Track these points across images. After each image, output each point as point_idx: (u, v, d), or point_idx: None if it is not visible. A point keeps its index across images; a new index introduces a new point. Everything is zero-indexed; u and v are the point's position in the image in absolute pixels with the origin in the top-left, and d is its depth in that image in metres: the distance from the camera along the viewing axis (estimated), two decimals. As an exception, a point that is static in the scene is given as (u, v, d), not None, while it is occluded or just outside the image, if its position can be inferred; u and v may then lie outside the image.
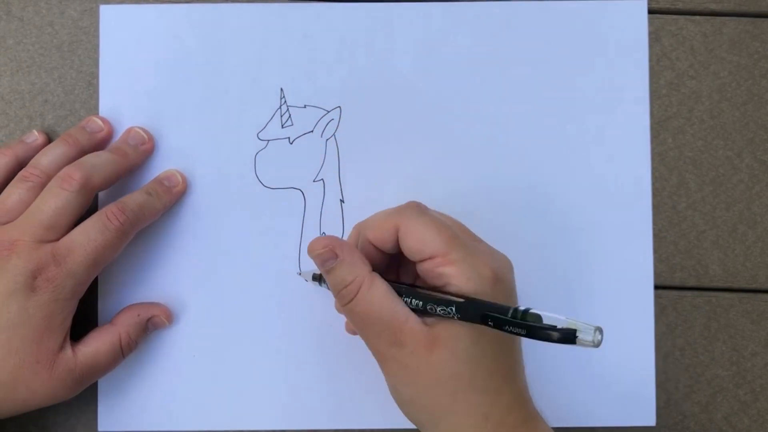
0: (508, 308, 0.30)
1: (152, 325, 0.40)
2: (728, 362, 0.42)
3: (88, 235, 0.36)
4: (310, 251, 0.35)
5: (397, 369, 0.33)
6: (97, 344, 0.37)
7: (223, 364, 0.41)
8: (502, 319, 0.30)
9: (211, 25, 0.41)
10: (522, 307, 0.30)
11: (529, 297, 0.41)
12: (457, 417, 0.32)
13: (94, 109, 0.41)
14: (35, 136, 0.40)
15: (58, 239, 0.36)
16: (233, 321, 0.41)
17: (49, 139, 0.41)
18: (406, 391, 0.33)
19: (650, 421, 0.41)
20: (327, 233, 0.41)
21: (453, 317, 0.32)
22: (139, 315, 0.39)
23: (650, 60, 0.42)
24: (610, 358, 0.41)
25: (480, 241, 0.36)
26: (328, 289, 0.36)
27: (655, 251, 0.42)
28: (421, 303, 0.33)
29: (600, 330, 0.28)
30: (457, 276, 0.32)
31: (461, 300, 0.32)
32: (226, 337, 0.41)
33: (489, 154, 0.42)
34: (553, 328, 0.28)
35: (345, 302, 0.34)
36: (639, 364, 0.41)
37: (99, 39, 0.41)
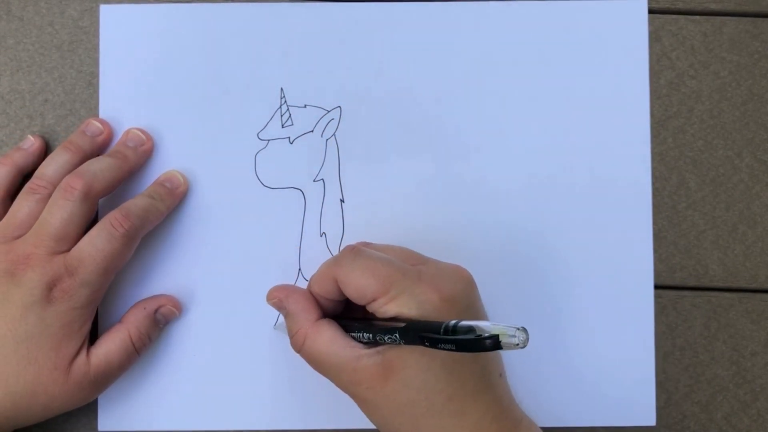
0: (440, 325, 0.30)
1: (162, 316, 0.40)
2: (728, 362, 0.42)
3: (96, 245, 0.36)
4: (267, 300, 0.38)
5: (360, 403, 0.34)
6: (107, 344, 0.38)
7: (224, 363, 0.41)
8: (435, 338, 0.30)
9: (211, 25, 0.41)
10: (453, 322, 0.29)
11: (529, 297, 0.41)
12: None
13: (94, 109, 0.41)
14: (31, 141, 0.40)
15: (69, 249, 0.36)
16: (233, 321, 0.41)
17: (46, 142, 0.41)
18: (375, 420, 0.35)
19: (650, 421, 0.41)
20: (326, 233, 0.41)
21: (399, 343, 0.32)
22: (144, 308, 0.39)
23: (650, 60, 0.42)
24: (610, 358, 0.41)
25: (427, 262, 0.36)
26: None
27: (655, 251, 0.42)
28: (371, 336, 0.33)
29: (523, 329, 0.28)
30: (402, 310, 0.33)
31: (402, 325, 0.32)
32: (227, 336, 0.41)
33: (489, 154, 0.42)
34: (479, 338, 0.28)
35: (296, 350, 0.36)
36: (639, 363, 0.41)
37: (99, 39, 0.41)
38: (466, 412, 0.33)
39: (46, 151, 0.41)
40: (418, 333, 0.31)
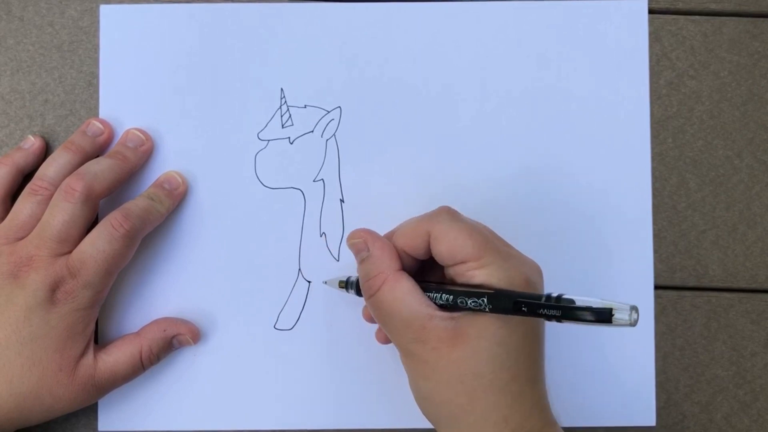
0: (541, 295, 0.30)
1: (178, 342, 0.40)
2: (728, 362, 0.42)
3: (97, 246, 0.36)
4: (348, 240, 0.37)
5: (417, 363, 0.33)
6: (117, 354, 0.38)
7: (224, 364, 0.41)
8: (536, 303, 0.30)
9: (211, 25, 0.41)
10: (555, 293, 0.30)
11: (529, 297, 0.41)
12: (475, 417, 0.32)
13: (95, 109, 0.41)
14: (32, 141, 0.41)
15: (71, 250, 0.36)
16: (233, 321, 0.41)
17: (46, 142, 0.41)
18: (425, 386, 0.33)
19: (650, 421, 0.41)
20: (327, 233, 0.41)
21: (484, 309, 0.32)
22: (165, 330, 0.39)
23: (650, 60, 0.42)
24: (610, 358, 0.41)
25: (511, 247, 0.36)
26: (355, 294, 0.37)
27: (655, 251, 0.42)
28: (451, 297, 0.33)
29: (635, 309, 0.28)
30: (489, 279, 0.32)
31: (492, 291, 0.32)
32: (227, 336, 0.41)
33: (488, 154, 0.42)
34: (589, 308, 0.29)
35: (368, 295, 0.35)
36: (639, 364, 0.41)
37: (99, 39, 0.41)
38: (524, 395, 0.33)
39: (46, 151, 0.41)
40: (513, 298, 0.31)
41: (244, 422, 0.41)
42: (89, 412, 0.41)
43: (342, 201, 0.41)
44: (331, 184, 0.41)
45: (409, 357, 0.34)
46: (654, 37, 0.42)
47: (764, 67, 0.42)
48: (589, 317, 0.28)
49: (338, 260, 0.41)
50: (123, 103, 0.41)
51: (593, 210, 0.41)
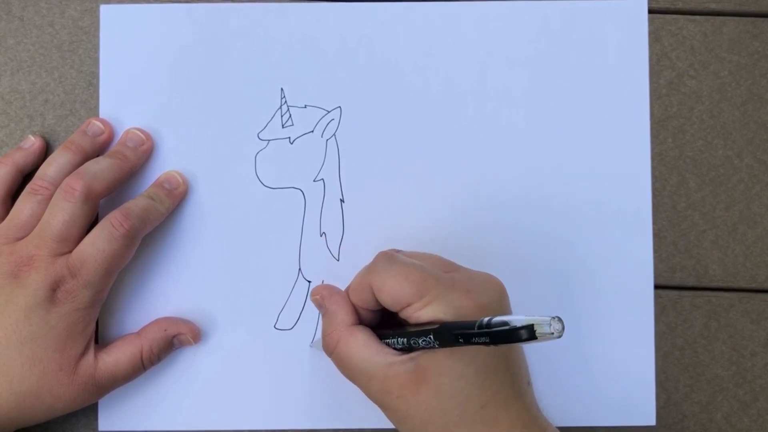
0: (474, 322, 0.30)
1: (178, 342, 0.40)
2: (728, 362, 0.42)
3: (97, 246, 0.36)
4: (311, 296, 0.38)
5: (390, 413, 0.34)
6: (118, 354, 0.38)
7: (224, 364, 0.41)
8: (470, 333, 0.29)
9: (211, 25, 0.42)
10: (486, 318, 0.29)
11: (529, 298, 0.41)
12: None
13: (95, 109, 0.41)
14: (32, 141, 0.41)
15: (72, 250, 0.36)
16: (233, 320, 0.41)
17: (46, 142, 0.41)
18: (404, 431, 0.34)
19: (650, 420, 0.41)
20: (327, 233, 0.41)
21: (434, 346, 0.32)
22: (166, 330, 0.39)
23: (650, 60, 0.42)
24: (610, 357, 0.41)
25: (459, 270, 0.36)
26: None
27: (655, 251, 0.42)
28: (405, 340, 0.33)
29: (558, 319, 0.27)
30: (436, 315, 0.32)
31: (436, 326, 0.32)
32: (227, 336, 0.41)
33: (488, 154, 0.42)
34: (514, 329, 0.28)
35: (328, 353, 0.36)
36: (639, 363, 0.41)
37: (99, 39, 0.41)
38: (498, 420, 0.32)
39: (46, 151, 0.41)
40: (451, 331, 0.30)
41: (244, 422, 0.41)
42: (89, 412, 0.41)
43: (342, 201, 0.41)
44: (331, 184, 0.41)
45: (382, 408, 0.34)
46: (654, 37, 0.42)
47: (764, 67, 0.42)
48: (515, 337, 0.28)
49: (338, 260, 0.41)
50: (123, 103, 0.41)
51: (593, 210, 0.42)
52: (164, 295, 0.41)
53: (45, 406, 0.36)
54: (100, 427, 0.41)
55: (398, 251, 0.37)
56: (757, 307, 0.42)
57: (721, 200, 0.42)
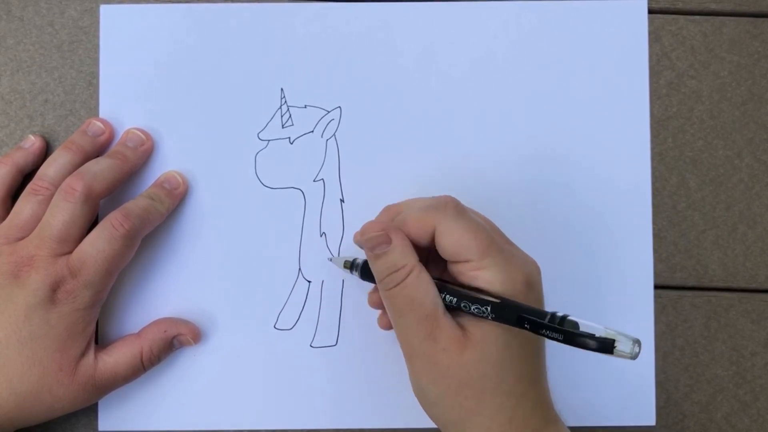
0: (546, 313, 0.30)
1: (178, 342, 0.40)
2: (728, 362, 0.42)
3: (97, 246, 0.36)
4: (363, 233, 0.35)
5: (426, 365, 0.33)
6: (118, 355, 0.38)
7: (224, 364, 0.41)
8: (540, 323, 0.30)
9: (211, 25, 0.41)
10: (560, 313, 0.30)
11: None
12: (482, 418, 0.32)
13: (95, 109, 0.41)
14: (32, 141, 0.41)
15: (72, 250, 0.36)
16: (233, 320, 0.41)
17: (46, 142, 0.41)
18: (434, 391, 0.33)
19: (650, 420, 0.41)
20: (327, 233, 0.41)
21: (487, 317, 0.32)
22: (165, 331, 0.39)
23: (650, 60, 0.42)
24: (610, 358, 0.41)
25: (512, 244, 0.36)
26: (359, 276, 0.37)
27: (655, 251, 0.42)
28: (455, 300, 0.33)
29: (638, 342, 0.28)
30: (491, 281, 0.32)
31: (497, 300, 0.32)
32: (227, 336, 0.41)
33: (488, 154, 0.42)
34: (591, 336, 0.29)
35: (391, 286, 0.34)
36: (639, 363, 0.41)
37: (99, 39, 0.41)
38: (527, 396, 0.33)
39: (46, 151, 0.41)
40: (516, 313, 0.31)
41: (244, 422, 0.41)
42: (89, 412, 0.41)
43: (342, 201, 0.41)
44: (331, 184, 0.41)
45: (417, 359, 0.33)
46: (654, 37, 0.42)
47: (764, 67, 0.42)
48: (591, 345, 0.29)
49: (338, 260, 0.41)
50: (123, 103, 0.41)
51: (593, 210, 0.41)
52: (164, 295, 0.41)
53: (45, 406, 0.36)
54: (100, 427, 0.41)
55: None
56: (757, 307, 0.42)
57: (721, 200, 0.42)
